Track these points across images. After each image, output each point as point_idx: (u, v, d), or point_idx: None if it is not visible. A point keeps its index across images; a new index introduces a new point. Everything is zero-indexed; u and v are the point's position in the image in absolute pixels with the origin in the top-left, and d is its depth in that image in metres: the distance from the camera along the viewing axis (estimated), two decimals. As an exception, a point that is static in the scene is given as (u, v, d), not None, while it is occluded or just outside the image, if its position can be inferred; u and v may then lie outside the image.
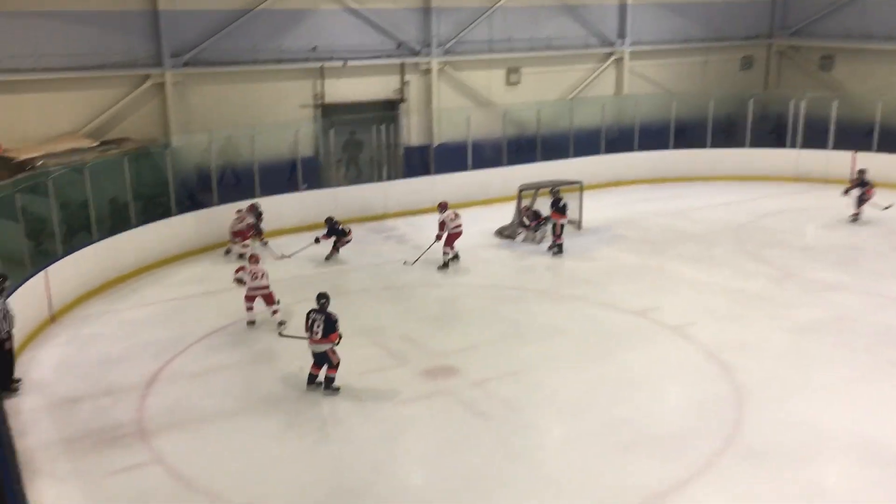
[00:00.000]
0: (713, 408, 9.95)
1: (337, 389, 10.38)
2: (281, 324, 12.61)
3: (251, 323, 12.81)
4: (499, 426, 9.65)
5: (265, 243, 16.53)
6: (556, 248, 16.33)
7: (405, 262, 15.84)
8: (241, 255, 15.64)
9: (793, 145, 22.28)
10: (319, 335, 10.14)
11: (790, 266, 15.25)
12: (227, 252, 16.41)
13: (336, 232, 16.21)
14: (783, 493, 8.22)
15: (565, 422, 9.87)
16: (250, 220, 16.35)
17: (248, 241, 16.04)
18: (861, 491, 8.35)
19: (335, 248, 16.33)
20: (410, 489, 8.54)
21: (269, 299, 12.68)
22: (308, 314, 10.31)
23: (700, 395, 10.34)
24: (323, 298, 10.34)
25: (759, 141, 22.60)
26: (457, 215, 15.65)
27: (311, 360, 10.50)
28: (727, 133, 23.30)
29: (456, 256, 15.72)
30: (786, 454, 8.88)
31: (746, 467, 8.63)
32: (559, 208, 16.26)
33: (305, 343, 10.41)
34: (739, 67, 26.48)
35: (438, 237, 15.46)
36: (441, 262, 15.48)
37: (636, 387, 10.60)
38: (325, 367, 10.41)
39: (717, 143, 22.77)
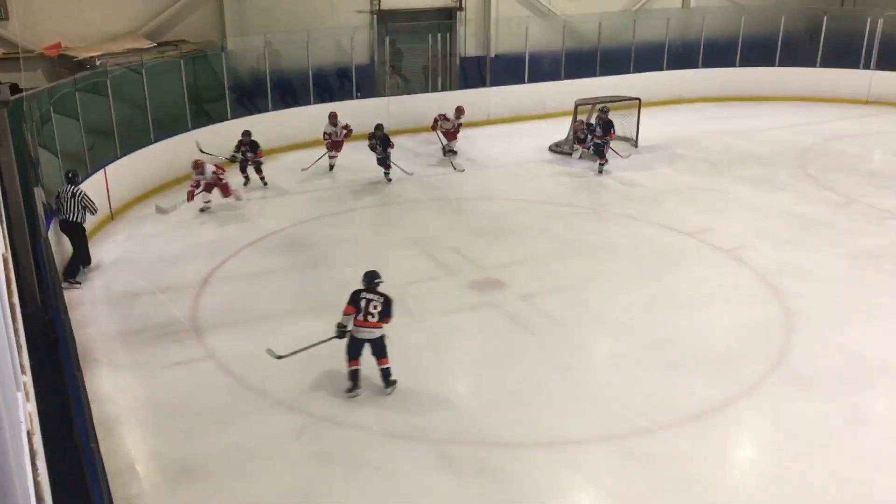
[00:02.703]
0: (762, 331, 9.82)
1: (395, 382, 8.62)
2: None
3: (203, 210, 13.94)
4: (544, 340, 9.69)
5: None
6: (600, 167, 16.02)
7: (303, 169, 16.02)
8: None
9: (867, 66, 21.27)
10: (376, 318, 8.36)
11: (854, 192, 14.75)
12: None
13: (253, 146, 14.83)
14: (827, 419, 8.13)
15: (611, 339, 9.88)
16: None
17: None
18: (909, 420, 8.24)
19: (249, 167, 14.98)
20: (454, 397, 8.67)
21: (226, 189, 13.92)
22: (358, 294, 8.42)
23: (750, 318, 10.21)
24: (377, 278, 8.47)
25: (831, 60, 21.60)
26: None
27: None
28: (797, 51, 22.32)
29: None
30: (833, 380, 8.77)
31: (792, 391, 8.55)
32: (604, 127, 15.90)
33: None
34: (816, -19, 25.15)
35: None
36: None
37: (684, 307, 10.51)
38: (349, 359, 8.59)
39: (786, 62, 21.85)
